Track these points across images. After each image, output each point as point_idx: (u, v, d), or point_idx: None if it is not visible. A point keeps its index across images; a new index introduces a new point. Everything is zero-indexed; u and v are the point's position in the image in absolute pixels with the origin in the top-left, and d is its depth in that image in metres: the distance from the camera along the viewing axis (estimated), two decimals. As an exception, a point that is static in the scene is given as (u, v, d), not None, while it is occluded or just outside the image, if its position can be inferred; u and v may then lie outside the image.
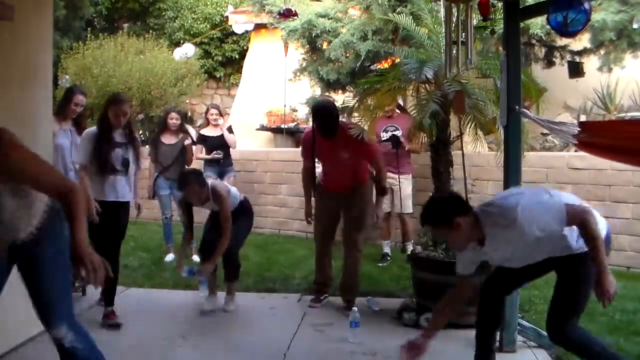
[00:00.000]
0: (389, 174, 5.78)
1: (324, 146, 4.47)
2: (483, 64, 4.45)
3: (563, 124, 3.54)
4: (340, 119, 4.45)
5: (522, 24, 3.91)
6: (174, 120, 5.98)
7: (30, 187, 2.26)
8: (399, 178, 5.77)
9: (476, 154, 5.40)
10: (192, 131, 6.46)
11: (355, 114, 4.82)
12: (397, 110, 5.97)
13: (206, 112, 6.90)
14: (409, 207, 6.03)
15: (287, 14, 7.47)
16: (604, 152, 3.41)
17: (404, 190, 5.93)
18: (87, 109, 5.29)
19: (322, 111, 4.42)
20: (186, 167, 6.08)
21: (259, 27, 11.11)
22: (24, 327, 3.38)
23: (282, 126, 9.95)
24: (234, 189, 4.67)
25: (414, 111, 4.59)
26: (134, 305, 4.56)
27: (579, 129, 3.24)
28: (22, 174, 2.19)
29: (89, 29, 12.04)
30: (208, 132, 6.61)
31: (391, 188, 5.78)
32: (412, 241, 5.96)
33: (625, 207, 5.52)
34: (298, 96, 8.76)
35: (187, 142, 5.96)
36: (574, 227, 2.62)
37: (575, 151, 6.58)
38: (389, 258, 6.01)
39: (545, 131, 6.86)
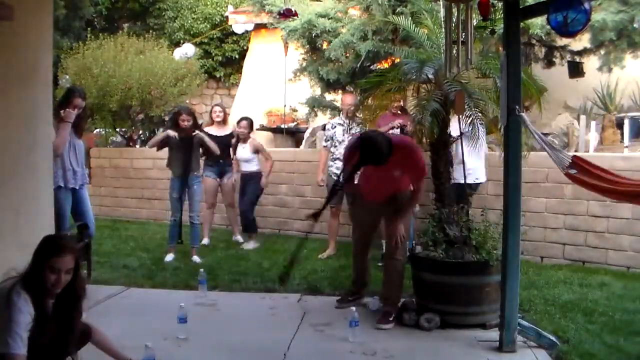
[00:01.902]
0: None
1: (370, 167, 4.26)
2: (483, 64, 4.45)
3: (557, 150, 3.50)
4: (388, 138, 4.01)
5: (522, 24, 3.90)
6: (185, 122, 5.92)
7: None
8: None
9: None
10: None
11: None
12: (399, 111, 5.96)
13: (211, 111, 6.94)
14: None
15: (287, 14, 7.46)
16: (591, 188, 3.39)
17: None
18: (86, 109, 5.26)
19: (368, 148, 3.93)
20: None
21: (259, 27, 11.11)
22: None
23: (282, 126, 9.96)
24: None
25: (414, 111, 4.60)
26: (134, 305, 4.57)
27: (570, 161, 3.25)
28: None
29: (89, 29, 12.02)
30: (211, 130, 6.62)
31: None
32: (414, 241, 5.95)
33: (625, 207, 5.52)
34: (298, 96, 8.76)
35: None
36: None
37: (575, 151, 6.59)
38: None
39: (546, 131, 6.88)
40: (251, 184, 6.64)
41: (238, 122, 6.69)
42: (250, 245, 6.58)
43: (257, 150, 6.64)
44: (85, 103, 5.00)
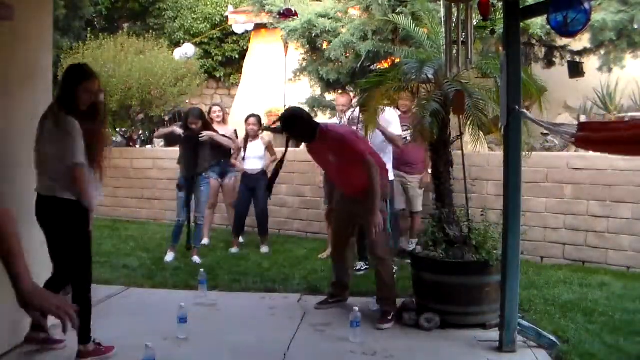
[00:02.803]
0: (401, 173, 5.81)
1: (313, 153, 4.45)
2: (483, 64, 4.45)
3: (562, 124, 3.53)
4: (315, 123, 4.22)
5: (522, 24, 3.90)
6: (192, 126, 5.87)
7: None
8: (407, 177, 5.86)
9: (476, 154, 5.40)
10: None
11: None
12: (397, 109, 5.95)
13: (209, 112, 6.92)
14: (416, 205, 6.03)
15: (287, 14, 7.46)
16: (602, 146, 3.37)
17: (413, 189, 5.94)
18: (106, 107, 5.23)
19: (286, 120, 4.24)
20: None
21: (259, 27, 11.12)
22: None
23: (282, 126, 9.93)
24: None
25: (415, 110, 4.60)
26: (134, 305, 4.57)
27: (577, 128, 3.23)
28: None
29: (89, 29, 12.03)
30: None
31: (405, 187, 5.92)
32: (416, 240, 5.95)
33: (625, 207, 5.52)
34: (298, 96, 8.75)
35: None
36: None
37: (575, 151, 6.59)
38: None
39: (546, 131, 6.88)
40: (261, 183, 6.50)
41: (246, 120, 6.63)
42: (266, 248, 6.53)
43: (267, 146, 6.60)
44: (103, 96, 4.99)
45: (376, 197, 4.02)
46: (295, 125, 4.18)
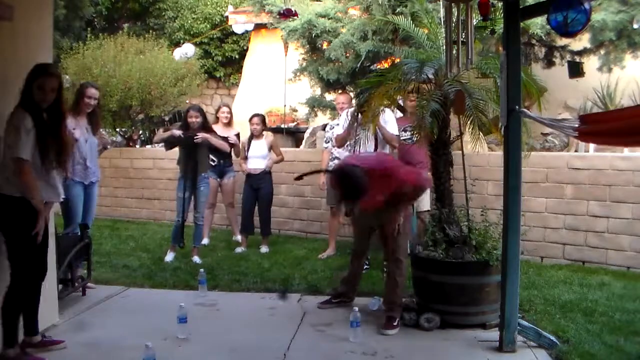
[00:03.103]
0: None
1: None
2: (483, 64, 4.45)
3: (564, 119, 3.52)
4: (364, 173, 3.72)
5: (522, 24, 3.90)
6: (192, 118, 5.88)
7: None
8: None
9: (476, 154, 5.40)
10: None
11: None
12: (398, 110, 5.95)
13: (217, 110, 6.91)
14: (422, 205, 5.94)
15: (287, 14, 7.47)
16: (605, 138, 3.35)
17: None
18: (100, 103, 5.22)
19: (347, 183, 3.74)
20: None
21: (259, 27, 11.13)
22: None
23: (282, 126, 9.96)
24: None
25: (415, 110, 4.59)
26: (134, 305, 4.57)
27: (579, 121, 3.22)
28: None
29: (89, 29, 12.03)
30: (216, 130, 6.58)
31: None
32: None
33: (625, 207, 5.52)
34: (298, 96, 8.77)
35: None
36: None
37: (575, 151, 6.59)
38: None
39: (546, 131, 6.88)
40: (264, 184, 6.55)
41: (250, 119, 6.63)
42: (265, 248, 6.54)
43: (271, 146, 6.59)
44: (99, 94, 5.00)
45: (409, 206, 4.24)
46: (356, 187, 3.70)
